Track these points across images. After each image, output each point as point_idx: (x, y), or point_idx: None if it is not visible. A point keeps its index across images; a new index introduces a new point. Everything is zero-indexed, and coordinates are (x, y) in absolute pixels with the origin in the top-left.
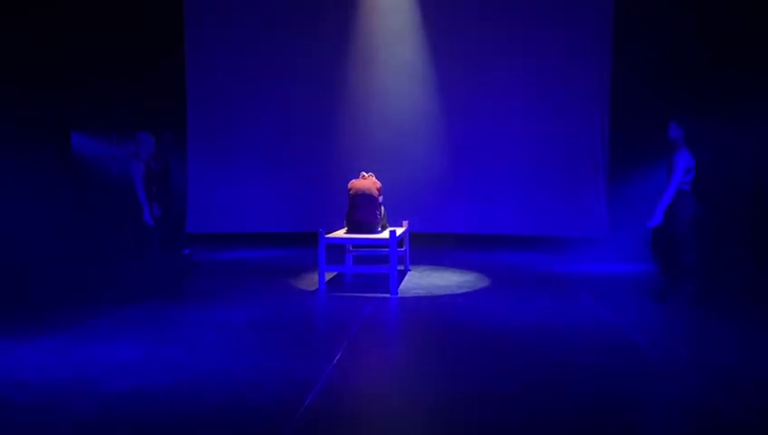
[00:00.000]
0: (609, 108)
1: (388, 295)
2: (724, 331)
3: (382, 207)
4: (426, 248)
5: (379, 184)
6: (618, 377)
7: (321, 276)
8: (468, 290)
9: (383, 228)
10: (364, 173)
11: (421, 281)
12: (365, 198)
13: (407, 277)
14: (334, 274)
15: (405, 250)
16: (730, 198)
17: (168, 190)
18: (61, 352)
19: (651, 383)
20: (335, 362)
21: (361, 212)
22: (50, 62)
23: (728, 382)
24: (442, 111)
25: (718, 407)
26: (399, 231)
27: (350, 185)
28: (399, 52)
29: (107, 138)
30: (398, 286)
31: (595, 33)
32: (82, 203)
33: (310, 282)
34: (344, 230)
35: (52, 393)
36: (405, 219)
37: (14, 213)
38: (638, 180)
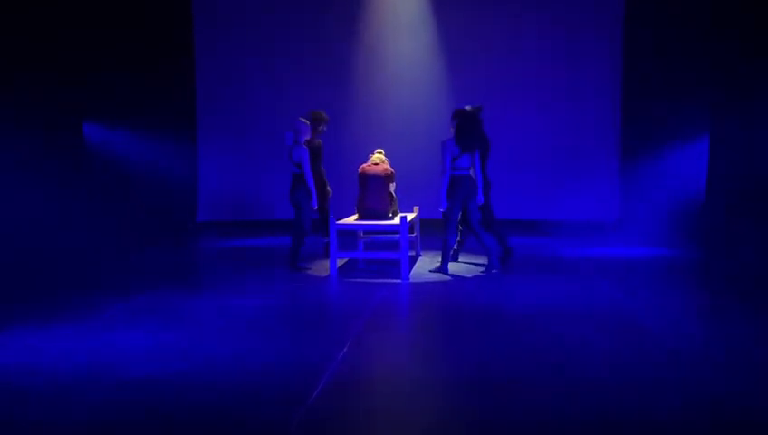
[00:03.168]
0: (621, 92)
1: (399, 281)
2: (739, 318)
3: (394, 195)
4: (437, 234)
5: (391, 171)
6: (631, 362)
7: (333, 263)
8: (480, 275)
9: (394, 214)
10: (372, 155)
11: (432, 266)
12: (374, 184)
13: (418, 263)
14: (346, 260)
15: (416, 236)
16: (746, 188)
17: (320, 173)
18: (75, 341)
19: (664, 369)
20: (347, 347)
21: (371, 199)
22: (60, 54)
23: (741, 369)
24: (452, 98)
25: (731, 394)
26: (410, 217)
27: (360, 170)
28: (409, 41)
29: (118, 129)
30: (410, 272)
31: (606, 18)
32: (95, 194)
33: (321, 268)
34: (355, 217)
35: (67, 380)
36: (416, 205)
37: (27, 204)
38: (651, 164)
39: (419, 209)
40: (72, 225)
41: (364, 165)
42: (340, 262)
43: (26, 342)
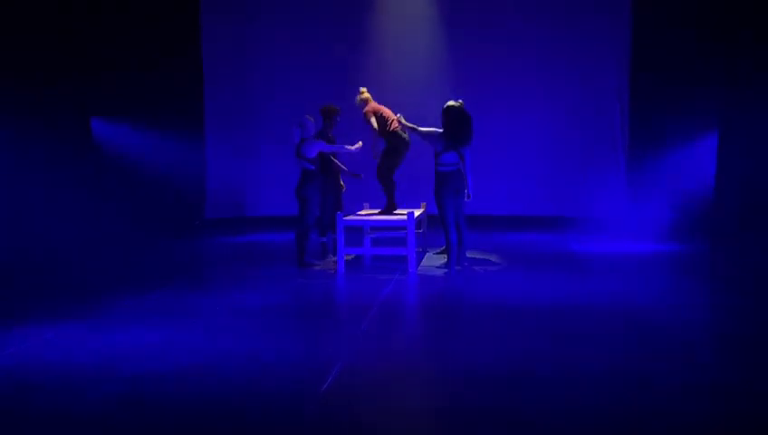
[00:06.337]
0: (627, 87)
1: (406, 277)
2: (747, 313)
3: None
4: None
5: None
6: (638, 358)
7: (340, 258)
8: (487, 270)
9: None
10: (367, 94)
11: (439, 262)
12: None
13: (425, 258)
14: (353, 256)
15: (423, 231)
16: (755, 183)
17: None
18: (83, 337)
19: (670, 364)
20: (356, 342)
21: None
22: (67, 50)
23: (746, 365)
24: (460, 94)
25: (739, 388)
26: (418, 213)
27: (388, 115)
28: (414, 36)
29: (126, 124)
30: (417, 267)
31: (613, 12)
32: (102, 191)
33: (329, 264)
34: (368, 210)
35: (75, 376)
36: (423, 201)
37: (34, 201)
38: (659, 160)
39: (426, 205)
40: (79, 222)
41: (382, 107)
42: (347, 258)
43: (37, 338)
